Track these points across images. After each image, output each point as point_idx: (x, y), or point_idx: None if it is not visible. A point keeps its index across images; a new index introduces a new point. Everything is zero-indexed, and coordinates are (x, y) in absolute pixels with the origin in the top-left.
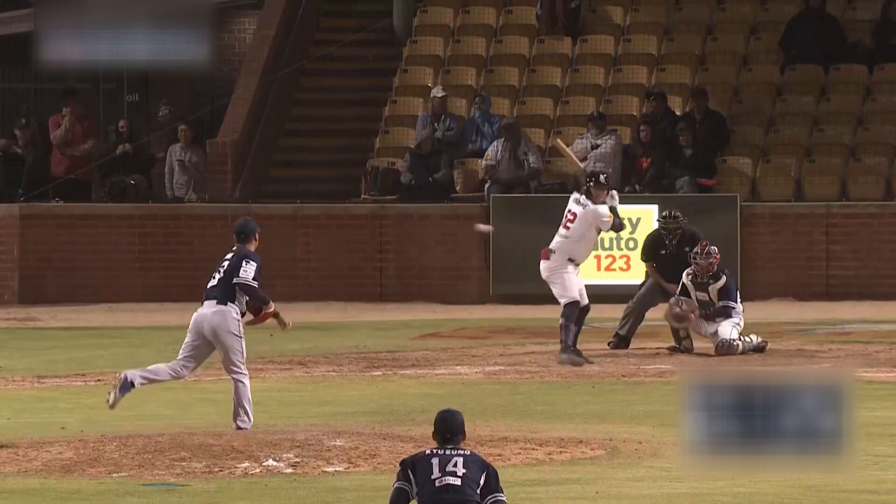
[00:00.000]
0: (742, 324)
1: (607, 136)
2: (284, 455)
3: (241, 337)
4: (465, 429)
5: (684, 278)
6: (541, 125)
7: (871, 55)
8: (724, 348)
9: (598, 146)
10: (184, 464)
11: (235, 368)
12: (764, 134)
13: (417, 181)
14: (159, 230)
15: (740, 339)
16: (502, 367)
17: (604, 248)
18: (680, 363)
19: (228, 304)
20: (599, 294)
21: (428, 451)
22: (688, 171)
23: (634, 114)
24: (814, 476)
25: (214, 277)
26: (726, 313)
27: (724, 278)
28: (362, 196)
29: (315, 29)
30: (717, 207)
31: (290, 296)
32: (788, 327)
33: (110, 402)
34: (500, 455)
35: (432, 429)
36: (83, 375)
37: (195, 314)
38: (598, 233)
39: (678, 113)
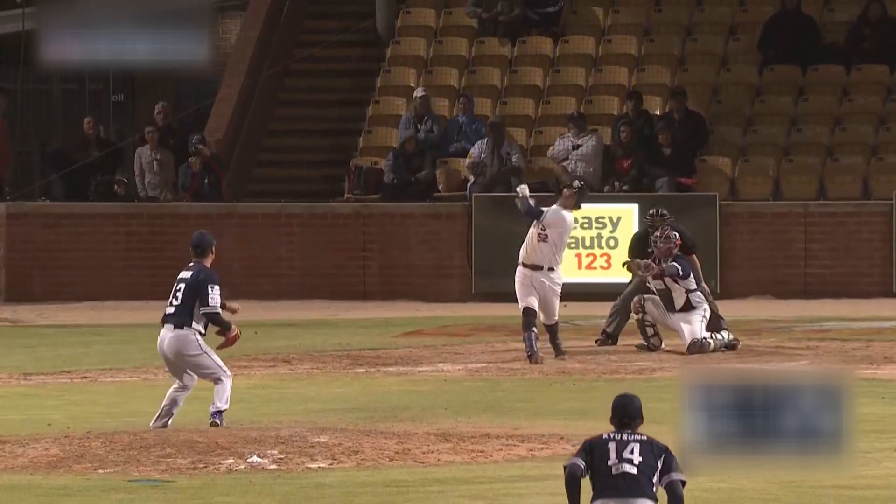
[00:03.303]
0: (707, 314)
1: (588, 137)
2: (269, 451)
3: (204, 353)
4: (642, 414)
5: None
6: (523, 125)
7: (848, 56)
8: (696, 348)
9: (578, 146)
10: (169, 460)
11: (212, 378)
12: (742, 134)
13: (400, 180)
14: (145, 229)
15: (711, 338)
16: (484, 365)
17: (584, 246)
18: (670, 364)
19: (185, 328)
20: (580, 292)
21: (606, 435)
22: (667, 170)
23: (615, 114)
24: (810, 475)
25: (172, 303)
26: (674, 271)
27: (676, 259)
28: (346, 195)
29: (298, 30)
30: (697, 206)
31: (274, 294)
32: (767, 325)
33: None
34: (482, 451)
35: (609, 414)
36: (69, 373)
37: (160, 340)
38: (537, 235)
39: (658, 113)
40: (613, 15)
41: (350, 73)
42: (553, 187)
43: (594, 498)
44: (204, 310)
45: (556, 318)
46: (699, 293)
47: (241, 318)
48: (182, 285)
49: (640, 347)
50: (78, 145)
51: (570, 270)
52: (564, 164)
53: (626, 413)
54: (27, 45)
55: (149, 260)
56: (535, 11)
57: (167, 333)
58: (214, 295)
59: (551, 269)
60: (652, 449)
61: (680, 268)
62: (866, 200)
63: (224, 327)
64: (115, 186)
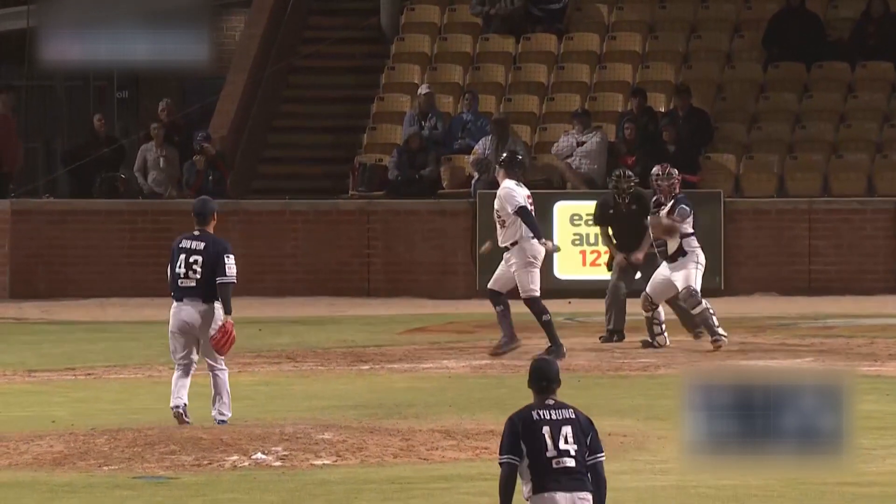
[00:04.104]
0: (702, 260)
1: (592, 134)
2: (273, 448)
3: None
4: (559, 378)
5: (650, 219)
6: (527, 122)
7: (853, 53)
8: (687, 294)
9: (583, 143)
10: (173, 457)
11: (219, 362)
12: (747, 131)
13: (404, 177)
14: (149, 225)
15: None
16: (489, 362)
17: (588, 243)
18: (674, 361)
19: (215, 301)
20: (585, 289)
21: (535, 415)
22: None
23: (619, 111)
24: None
25: (188, 275)
26: (685, 214)
27: (680, 197)
28: (350, 192)
29: (303, 27)
30: (701, 203)
31: (278, 291)
32: (771, 322)
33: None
34: (486, 448)
35: (527, 378)
36: (74, 370)
37: (180, 313)
38: (496, 220)
39: (662, 110)
40: (618, 12)
41: (354, 70)
42: (557, 184)
43: (536, 489)
44: (221, 280)
45: (529, 293)
46: (694, 238)
47: (246, 315)
48: (199, 257)
49: (644, 344)
50: (88, 142)
51: (574, 268)
52: (569, 160)
53: (545, 377)
54: (32, 42)
55: (153, 257)
56: (539, 8)
57: (194, 308)
58: (231, 265)
59: (515, 243)
60: (581, 429)
61: (687, 208)
62: (871, 197)
63: (227, 308)
64: (116, 183)
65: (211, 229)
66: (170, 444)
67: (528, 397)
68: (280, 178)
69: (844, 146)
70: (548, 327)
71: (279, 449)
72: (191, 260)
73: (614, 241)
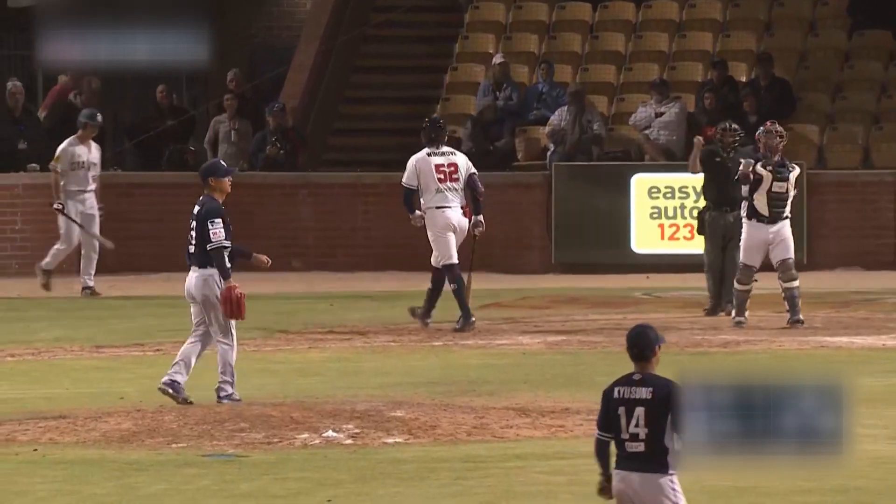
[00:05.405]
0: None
1: (671, 104)
2: (344, 426)
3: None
4: (654, 346)
5: (759, 168)
6: (604, 92)
7: None
8: (792, 266)
9: (661, 114)
10: (243, 434)
11: (220, 334)
12: (831, 101)
13: (478, 149)
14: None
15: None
16: (564, 338)
17: (667, 217)
18: (755, 337)
19: (210, 266)
20: (664, 264)
21: (616, 393)
22: (753, 138)
23: (699, 80)
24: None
25: (190, 242)
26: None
27: (797, 169)
28: None
29: None
30: None
31: (350, 265)
32: (856, 296)
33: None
34: (562, 426)
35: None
36: (142, 345)
37: (185, 282)
38: None
39: (743, 80)
40: None
41: (427, 39)
42: (635, 156)
43: (615, 465)
44: (209, 247)
45: (444, 261)
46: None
47: (317, 290)
48: (193, 222)
49: (737, 324)
50: (152, 115)
51: (652, 241)
52: (647, 132)
53: (636, 344)
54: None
55: None
56: None
57: (193, 274)
58: (215, 229)
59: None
60: (657, 409)
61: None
62: None
63: (224, 274)
64: (186, 155)
65: (216, 194)
66: (239, 421)
67: (603, 374)
68: (351, 149)
69: None
70: (433, 294)
71: (350, 426)
72: (191, 226)
73: (705, 193)
